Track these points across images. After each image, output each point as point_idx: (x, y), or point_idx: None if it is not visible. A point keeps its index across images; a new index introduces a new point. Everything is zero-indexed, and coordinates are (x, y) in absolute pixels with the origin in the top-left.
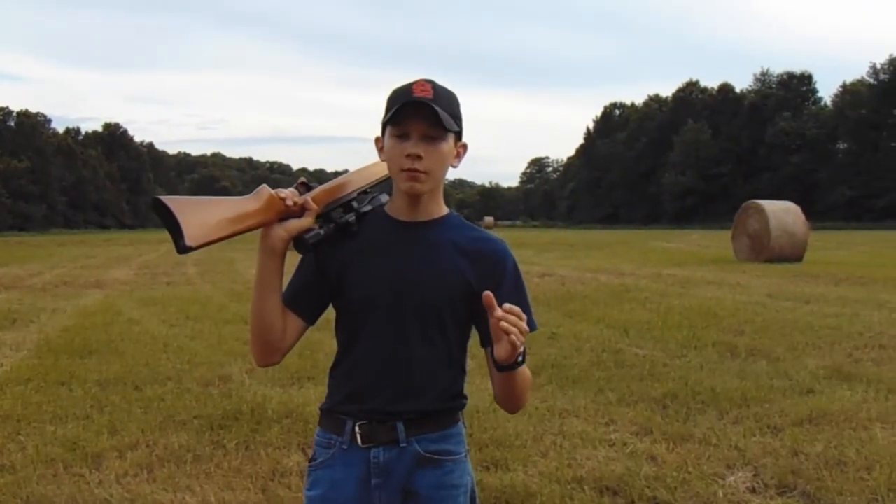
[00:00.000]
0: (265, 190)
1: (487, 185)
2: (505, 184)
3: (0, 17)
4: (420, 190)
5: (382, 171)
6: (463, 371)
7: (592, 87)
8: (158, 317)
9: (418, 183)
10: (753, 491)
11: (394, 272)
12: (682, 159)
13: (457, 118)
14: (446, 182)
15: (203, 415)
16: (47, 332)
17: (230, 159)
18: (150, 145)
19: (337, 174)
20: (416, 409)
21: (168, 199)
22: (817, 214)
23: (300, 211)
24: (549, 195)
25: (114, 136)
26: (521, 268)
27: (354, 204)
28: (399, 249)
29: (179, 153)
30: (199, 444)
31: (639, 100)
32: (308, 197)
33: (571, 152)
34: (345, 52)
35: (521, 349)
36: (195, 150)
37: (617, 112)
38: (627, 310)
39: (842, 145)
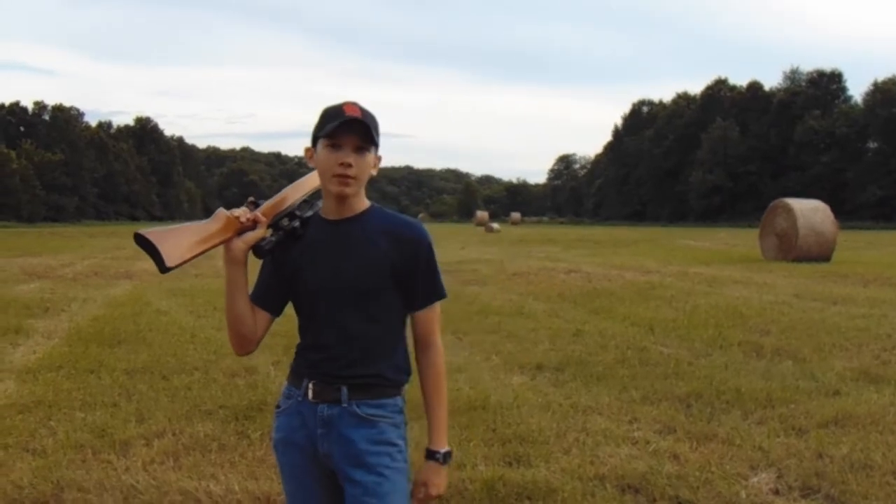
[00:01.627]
0: (222, 212)
1: (514, 181)
2: (532, 180)
3: (36, 13)
4: (348, 193)
5: (315, 182)
6: (402, 346)
7: (621, 84)
8: (186, 308)
9: (347, 187)
10: (777, 492)
11: (333, 265)
12: (710, 157)
13: (378, 134)
14: (473, 178)
15: (229, 405)
16: (78, 321)
17: (259, 153)
18: (181, 139)
19: None
20: (359, 377)
21: (146, 232)
22: (846, 214)
23: (253, 225)
24: (576, 192)
25: (145, 130)
26: (547, 264)
27: (297, 212)
28: (334, 245)
29: (209, 147)
30: (225, 433)
31: (667, 97)
32: (258, 212)
33: (599, 149)
34: (375, 48)
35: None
36: (224, 145)
37: (645, 109)
38: (653, 307)
39: (872, 144)
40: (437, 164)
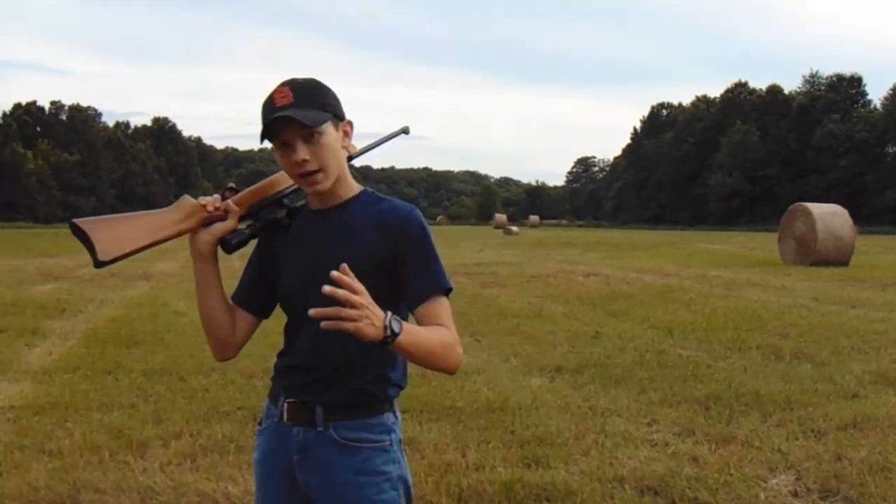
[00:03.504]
0: (186, 200)
1: (534, 183)
2: (551, 183)
3: (53, 13)
4: (323, 188)
5: None
6: (391, 355)
7: (640, 86)
8: None
9: (318, 184)
10: (795, 494)
11: (310, 258)
12: (729, 161)
13: (325, 105)
14: (492, 181)
15: (246, 406)
16: (95, 322)
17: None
18: (199, 140)
19: (384, 171)
20: (336, 395)
21: (81, 221)
22: (865, 218)
23: (224, 215)
24: (594, 195)
25: (162, 131)
26: (565, 267)
27: (286, 200)
28: (315, 236)
29: (227, 148)
30: (242, 434)
31: (686, 100)
32: (230, 201)
33: (618, 152)
34: (391, 49)
35: (365, 325)
36: (242, 146)
37: (664, 112)
38: (672, 310)
39: (891, 149)
40: (456, 166)
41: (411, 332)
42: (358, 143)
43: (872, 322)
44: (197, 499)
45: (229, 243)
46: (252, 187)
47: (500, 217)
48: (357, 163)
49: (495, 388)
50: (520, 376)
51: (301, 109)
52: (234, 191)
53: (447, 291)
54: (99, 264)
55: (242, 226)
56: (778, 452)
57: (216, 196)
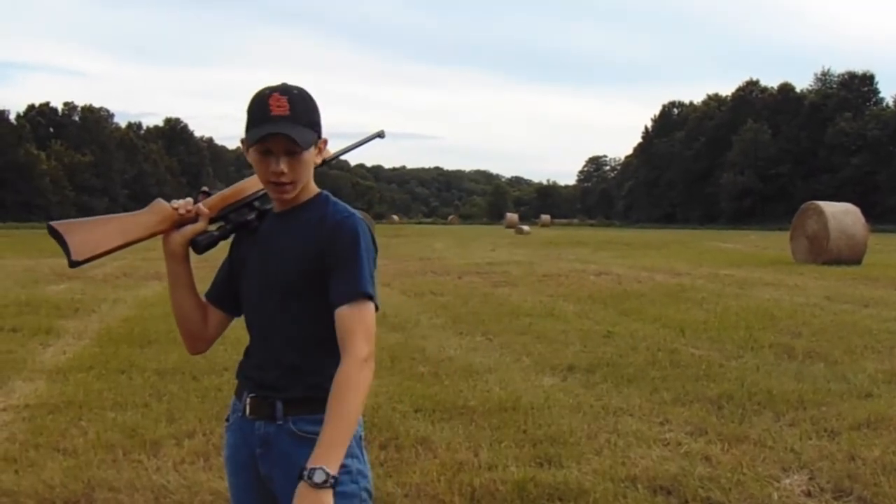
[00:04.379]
0: (158, 203)
1: (545, 182)
2: (562, 182)
3: (65, 15)
4: (288, 198)
5: None
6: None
7: (651, 85)
8: None
9: (286, 194)
10: (809, 494)
11: (260, 258)
12: (741, 159)
13: (314, 125)
14: (503, 180)
15: None
16: (108, 322)
17: None
18: (210, 140)
19: (395, 170)
20: (295, 391)
21: (57, 223)
22: (877, 217)
23: (195, 217)
24: (606, 194)
25: (174, 131)
26: (577, 266)
27: (256, 203)
28: (270, 237)
29: (238, 148)
30: None
31: (697, 99)
32: (201, 204)
33: (629, 151)
34: (403, 49)
35: None
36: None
37: (675, 111)
38: (683, 309)
39: None
40: (467, 165)
41: (329, 439)
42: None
43: (886, 321)
44: (210, 497)
45: (199, 244)
46: (223, 191)
47: (512, 216)
48: (368, 163)
49: (507, 388)
50: (532, 375)
51: (296, 126)
52: (207, 194)
53: (366, 296)
54: (73, 264)
55: (213, 228)
56: (791, 452)
57: (188, 199)
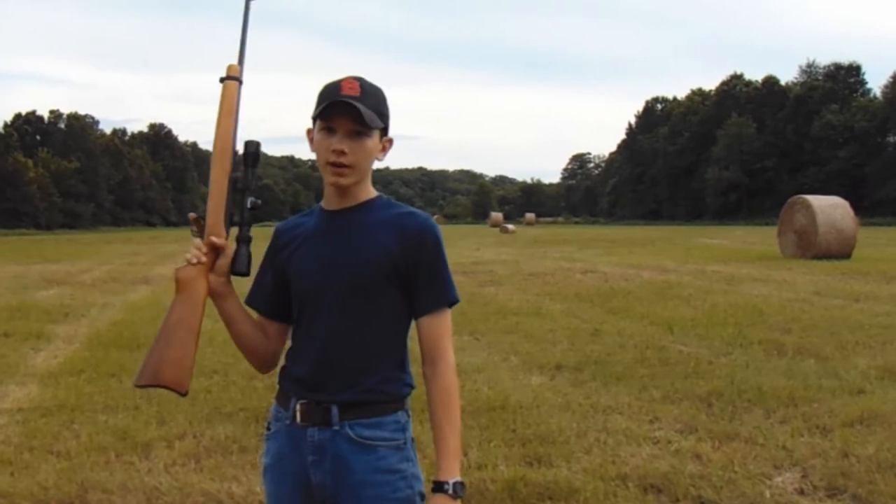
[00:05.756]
0: (178, 274)
1: (529, 181)
2: (546, 180)
3: (49, 24)
4: (344, 183)
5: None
6: (402, 355)
7: (633, 81)
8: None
9: (342, 177)
10: (802, 492)
11: (321, 258)
12: (726, 154)
13: (382, 115)
14: (487, 179)
15: (248, 407)
16: (97, 326)
17: (272, 158)
18: (194, 145)
19: (378, 171)
20: (351, 394)
21: (143, 380)
22: (866, 210)
23: (216, 252)
24: (590, 191)
25: (158, 136)
26: (563, 264)
27: (238, 185)
28: (327, 237)
29: None
30: (245, 435)
31: (681, 94)
32: (207, 234)
33: (613, 148)
34: (385, 49)
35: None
36: (238, 149)
37: (659, 106)
38: (671, 307)
39: (892, 138)
40: (450, 164)
41: (453, 451)
42: None
43: (877, 315)
44: (202, 499)
45: (239, 269)
46: (209, 206)
47: (496, 215)
48: None
49: (496, 387)
50: (520, 375)
51: (365, 107)
52: (200, 219)
53: (452, 304)
54: (183, 394)
55: (232, 247)
56: (783, 449)
57: (196, 242)
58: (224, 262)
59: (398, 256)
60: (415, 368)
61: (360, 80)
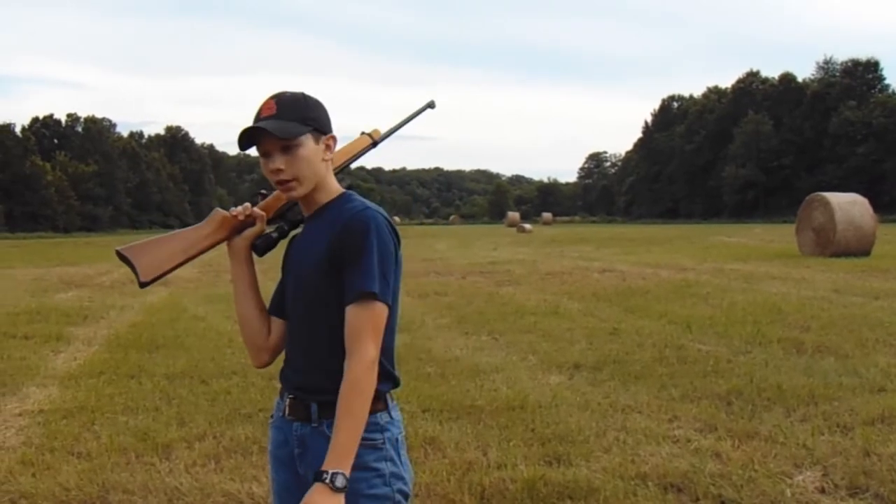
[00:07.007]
0: (217, 213)
1: (545, 180)
2: (563, 179)
3: (66, 28)
4: (297, 196)
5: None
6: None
7: (650, 79)
8: (222, 313)
9: (293, 191)
10: (823, 491)
11: (291, 263)
12: (743, 152)
13: (306, 120)
14: (504, 179)
15: (267, 408)
16: (117, 328)
17: None
18: (211, 147)
19: (395, 172)
20: (329, 393)
21: (124, 248)
22: (885, 207)
23: (254, 221)
24: (607, 190)
25: (175, 139)
26: (580, 264)
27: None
28: (299, 241)
29: (239, 154)
30: (265, 436)
31: (697, 92)
32: (257, 207)
33: (629, 147)
34: (400, 50)
35: None
36: (254, 151)
37: (675, 105)
38: (689, 305)
39: None
40: (467, 165)
41: (342, 443)
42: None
43: None
44: (222, 499)
45: (258, 247)
46: (275, 193)
47: (513, 215)
48: (368, 165)
49: (514, 387)
50: (538, 374)
51: (280, 122)
52: (264, 196)
53: (370, 295)
54: (142, 285)
55: (270, 229)
56: (803, 448)
57: (246, 204)
58: (252, 230)
59: (329, 248)
60: (404, 367)
61: (277, 96)
